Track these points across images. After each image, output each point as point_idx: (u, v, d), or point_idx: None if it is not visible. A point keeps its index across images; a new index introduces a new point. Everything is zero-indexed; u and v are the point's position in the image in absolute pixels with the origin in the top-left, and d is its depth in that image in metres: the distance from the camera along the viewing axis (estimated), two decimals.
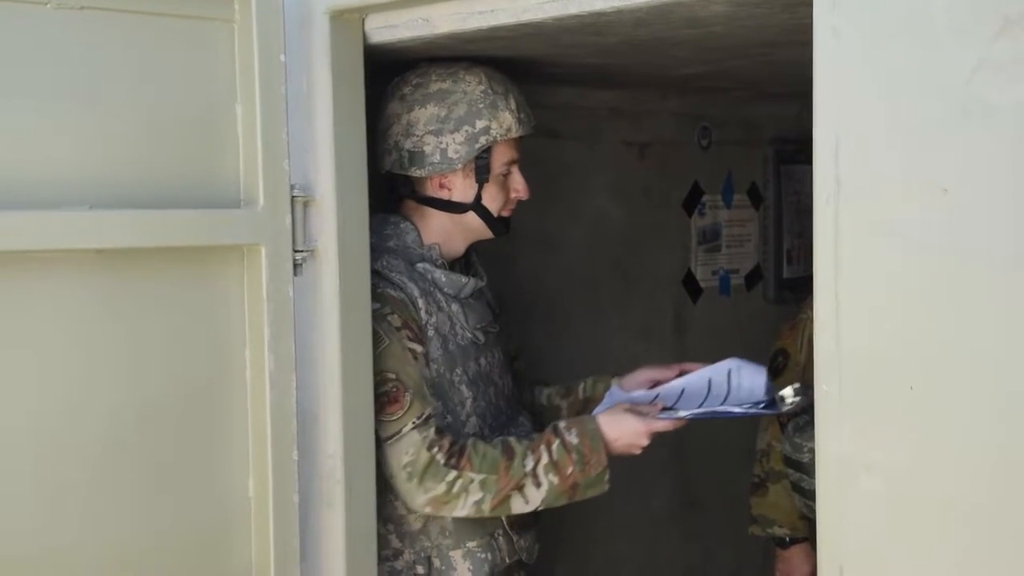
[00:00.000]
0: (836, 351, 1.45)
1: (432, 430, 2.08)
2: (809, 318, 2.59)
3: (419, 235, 2.24)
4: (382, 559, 2.16)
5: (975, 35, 1.32)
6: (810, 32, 1.47)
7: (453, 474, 2.06)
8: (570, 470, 2.09)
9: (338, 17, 1.99)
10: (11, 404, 1.72)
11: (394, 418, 2.08)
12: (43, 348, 1.75)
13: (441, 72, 2.20)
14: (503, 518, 2.23)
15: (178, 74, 1.85)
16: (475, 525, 2.20)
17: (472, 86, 2.18)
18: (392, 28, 2.01)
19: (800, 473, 2.57)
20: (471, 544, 2.20)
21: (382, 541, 2.16)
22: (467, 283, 2.25)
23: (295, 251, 1.95)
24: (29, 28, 1.71)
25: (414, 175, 2.21)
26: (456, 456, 2.08)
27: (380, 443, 2.09)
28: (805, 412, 2.61)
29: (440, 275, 2.21)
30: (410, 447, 2.06)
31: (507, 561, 2.25)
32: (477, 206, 2.23)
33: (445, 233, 2.25)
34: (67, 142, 1.75)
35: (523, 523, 2.29)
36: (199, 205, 1.86)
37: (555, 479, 2.09)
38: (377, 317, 2.10)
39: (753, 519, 2.73)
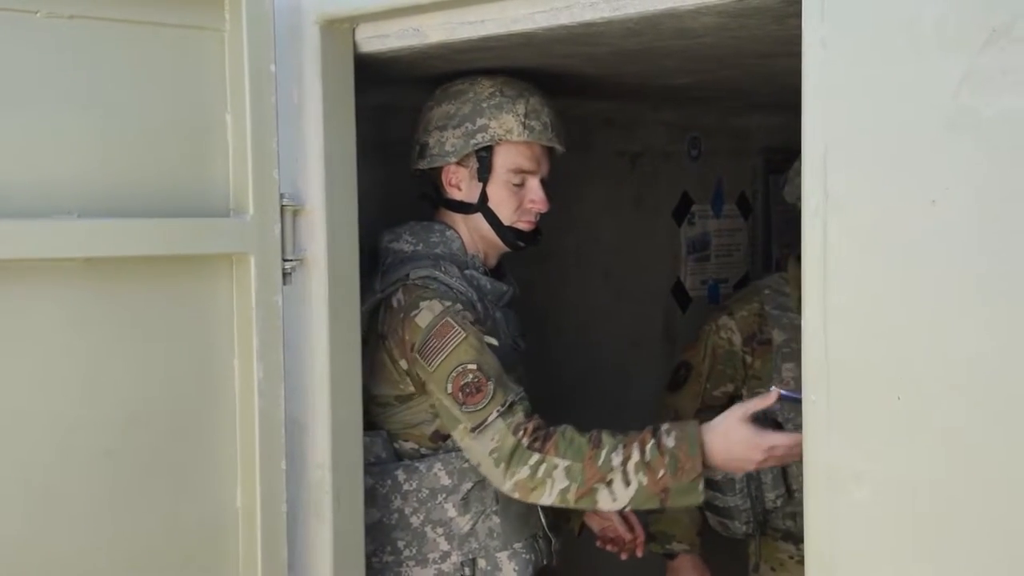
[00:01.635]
0: (824, 361, 1.45)
1: (518, 415, 2.07)
2: (712, 330, 2.65)
3: (463, 243, 2.27)
4: (430, 562, 2.18)
5: (962, 46, 1.32)
6: (799, 43, 1.48)
7: (536, 457, 2.03)
8: (661, 473, 1.97)
9: (328, 27, 1.99)
10: None
11: (479, 407, 2.06)
12: (30, 357, 1.74)
13: (468, 76, 2.26)
14: (542, 520, 2.26)
15: (168, 83, 1.85)
16: (520, 526, 2.23)
17: (483, 88, 2.23)
18: (383, 38, 2.01)
19: (713, 492, 2.55)
20: (517, 545, 2.22)
21: (430, 544, 2.18)
22: (508, 291, 2.30)
23: (284, 260, 1.94)
24: (18, 37, 1.70)
25: (420, 167, 2.27)
26: (541, 440, 2.04)
27: (467, 434, 2.08)
28: None
29: (486, 282, 2.25)
30: (495, 434, 2.05)
31: (543, 563, 2.29)
32: (483, 208, 2.25)
33: (473, 242, 2.29)
34: (55, 150, 1.74)
35: (557, 526, 2.33)
36: (188, 214, 1.86)
37: (645, 480, 1.98)
38: (451, 312, 2.10)
39: (651, 536, 2.65)
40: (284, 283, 1.94)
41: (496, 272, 2.36)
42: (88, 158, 1.77)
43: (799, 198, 2.56)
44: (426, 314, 2.10)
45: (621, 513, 2.39)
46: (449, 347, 2.08)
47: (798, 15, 1.48)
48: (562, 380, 3.02)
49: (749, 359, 2.62)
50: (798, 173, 2.58)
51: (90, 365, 1.79)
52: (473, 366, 2.07)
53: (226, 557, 1.92)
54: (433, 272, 2.16)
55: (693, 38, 1.94)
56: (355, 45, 2.04)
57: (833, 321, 1.44)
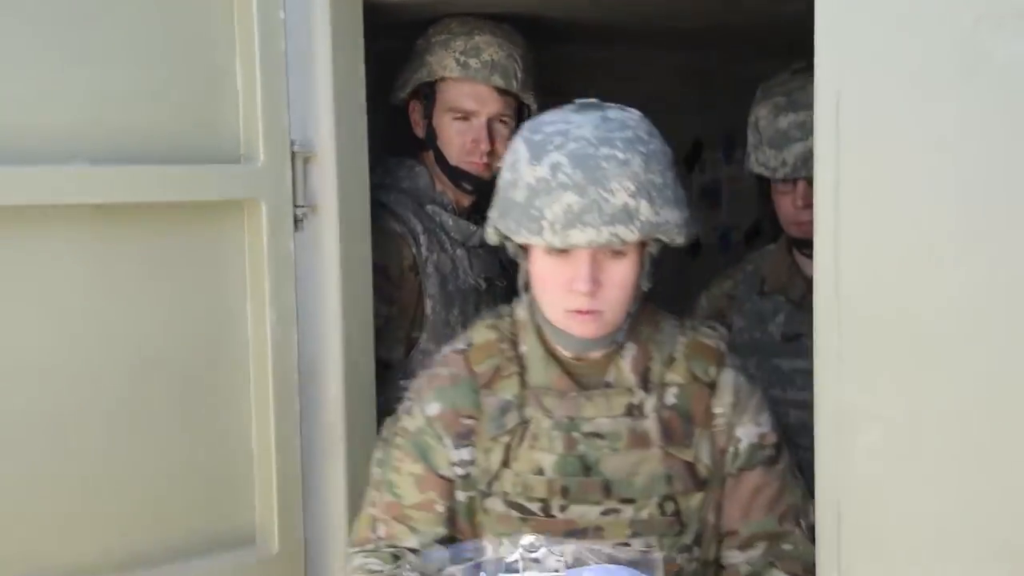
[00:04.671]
0: (835, 301, 1.45)
1: None
2: (699, 301, 2.42)
3: (431, 180, 2.30)
4: None
5: None
6: None
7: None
8: None
9: None
10: (11, 360, 1.73)
11: None
12: (43, 304, 1.75)
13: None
14: None
15: (177, 29, 1.84)
16: None
17: (443, 26, 2.28)
18: None
19: None
20: None
21: None
22: (475, 231, 2.28)
23: (296, 207, 1.95)
24: None
25: (392, 103, 2.34)
26: None
27: None
28: None
29: (448, 218, 2.28)
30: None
31: None
32: (432, 145, 2.29)
33: (440, 180, 2.31)
34: (67, 98, 1.75)
35: None
36: (199, 160, 1.86)
37: None
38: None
39: None
40: (296, 229, 1.95)
41: (473, 212, 2.35)
42: (99, 105, 1.77)
43: (753, 173, 2.41)
44: None
45: None
46: None
47: None
48: None
49: None
50: (755, 148, 2.41)
51: (103, 311, 1.80)
52: None
53: (242, 498, 1.95)
54: (380, 199, 2.19)
55: None
56: None
57: (845, 261, 1.44)
